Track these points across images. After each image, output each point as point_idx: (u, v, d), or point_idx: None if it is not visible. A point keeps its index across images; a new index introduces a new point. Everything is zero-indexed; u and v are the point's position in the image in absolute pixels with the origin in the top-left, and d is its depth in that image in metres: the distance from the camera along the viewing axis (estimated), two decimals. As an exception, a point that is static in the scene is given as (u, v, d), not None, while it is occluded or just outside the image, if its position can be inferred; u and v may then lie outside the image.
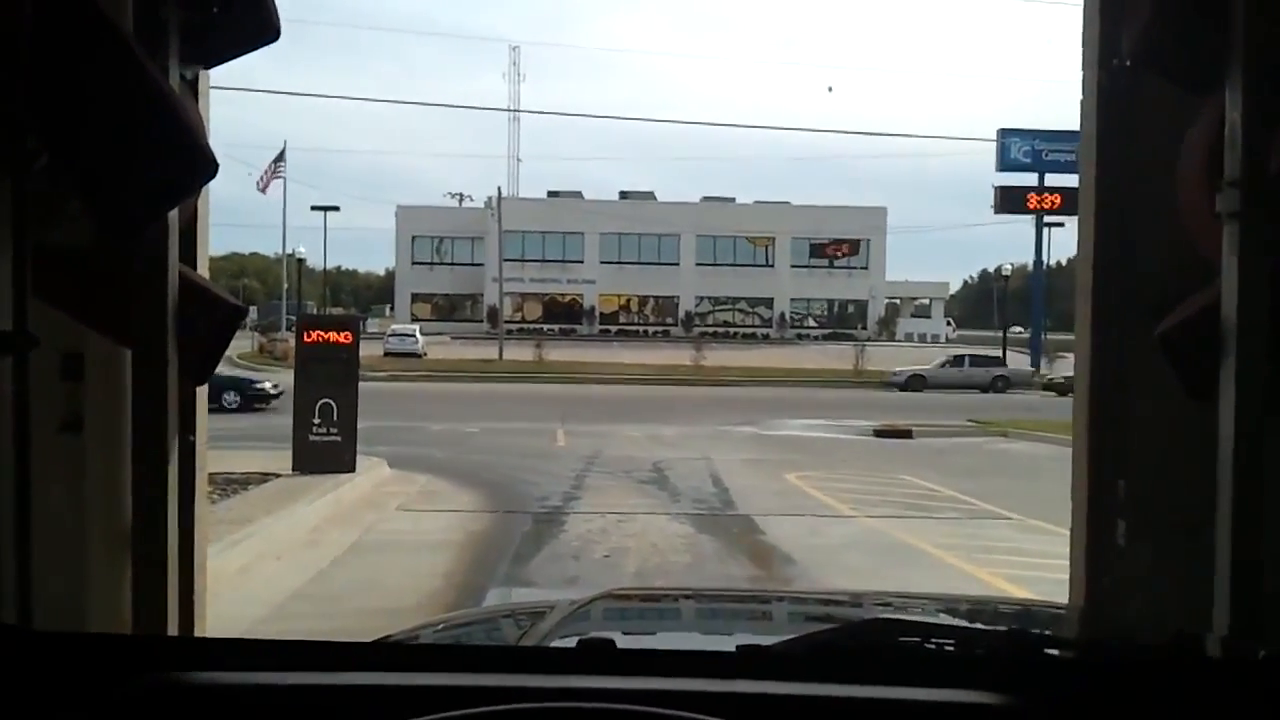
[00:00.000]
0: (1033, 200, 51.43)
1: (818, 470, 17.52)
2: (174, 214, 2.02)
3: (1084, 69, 2.61)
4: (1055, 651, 1.85)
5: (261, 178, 50.61)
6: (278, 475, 14.59)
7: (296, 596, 8.92)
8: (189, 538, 2.27)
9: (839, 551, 11.17)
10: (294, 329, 19.55)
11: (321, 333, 16.05)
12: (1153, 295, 2.29)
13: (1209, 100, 1.94)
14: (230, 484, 13.84)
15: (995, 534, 12.35)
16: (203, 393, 2.45)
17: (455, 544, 11.23)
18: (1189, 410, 1.98)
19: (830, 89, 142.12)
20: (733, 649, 1.65)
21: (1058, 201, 50.53)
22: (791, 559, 10.86)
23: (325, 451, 15.22)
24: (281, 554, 10.47)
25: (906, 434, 24.77)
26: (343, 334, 16.01)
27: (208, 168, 1.85)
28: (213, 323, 2.17)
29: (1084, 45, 2.61)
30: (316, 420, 15.37)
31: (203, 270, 2.44)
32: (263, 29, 2.18)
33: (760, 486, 15.84)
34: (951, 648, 1.61)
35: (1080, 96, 2.65)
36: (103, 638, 1.78)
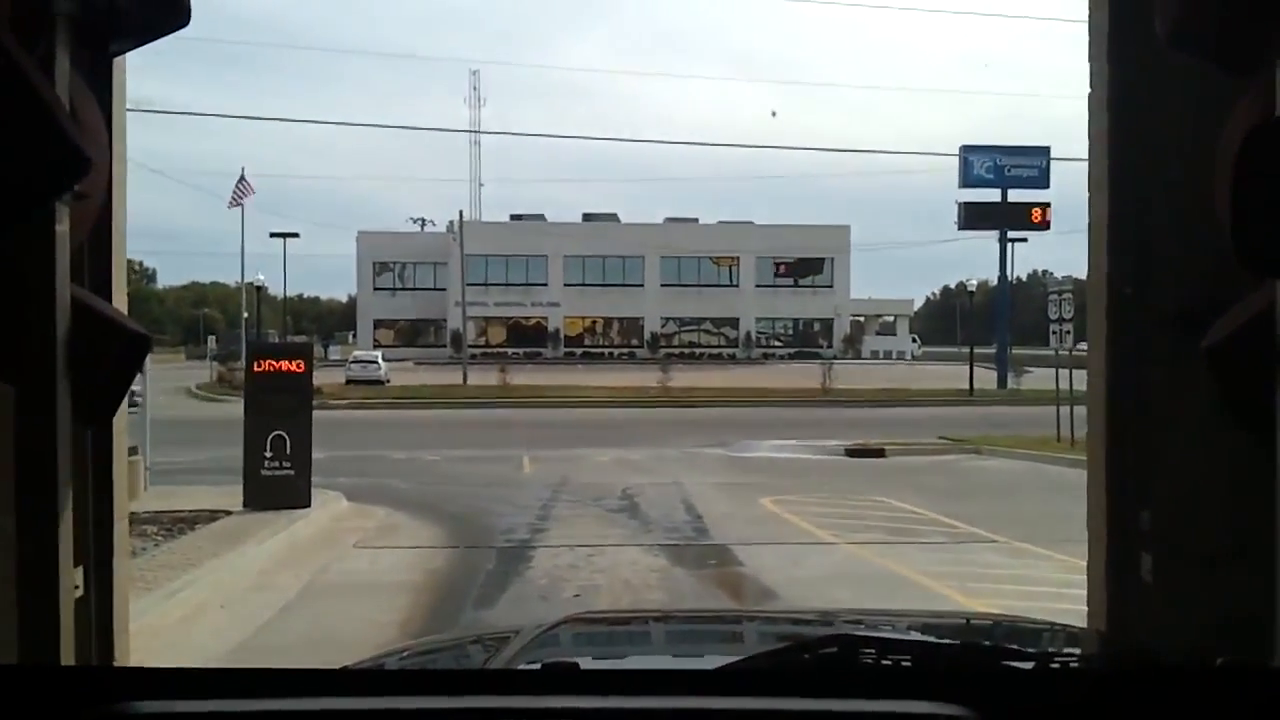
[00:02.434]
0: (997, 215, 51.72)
1: (793, 494, 16.96)
2: (62, 228, 1.68)
3: (1091, 60, 2.35)
4: (1017, 664, 1.83)
5: (236, 195, 49.02)
6: (228, 513, 13.89)
7: (239, 649, 8.21)
8: (106, 592, 2.04)
9: (824, 584, 10.57)
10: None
11: (273, 361, 15.32)
12: (1183, 306, 2.11)
13: (1253, 83, 1.65)
14: (177, 523, 13.17)
15: (985, 559, 11.81)
16: (120, 427, 2.16)
17: (414, 586, 10.53)
18: (1221, 432, 1.79)
19: (774, 114, 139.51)
20: (696, 668, 1.71)
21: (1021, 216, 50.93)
22: (774, 593, 10.26)
23: (278, 486, 14.52)
24: (226, 601, 9.74)
25: (879, 453, 24.44)
26: (295, 362, 15.29)
27: (73, 165, 1.52)
28: (113, 354, 1.88)
29: (1091, 30, 2.35)
30: (269, 453, 14.67)
31: (119, 296, 2.14)
32: (172, 13, 1.93)
33: (735, 513, 15.23)
34: (911, 662, 1.64)
35: (1088, 90, 2.36)
36: (49, 669, 1.58)
